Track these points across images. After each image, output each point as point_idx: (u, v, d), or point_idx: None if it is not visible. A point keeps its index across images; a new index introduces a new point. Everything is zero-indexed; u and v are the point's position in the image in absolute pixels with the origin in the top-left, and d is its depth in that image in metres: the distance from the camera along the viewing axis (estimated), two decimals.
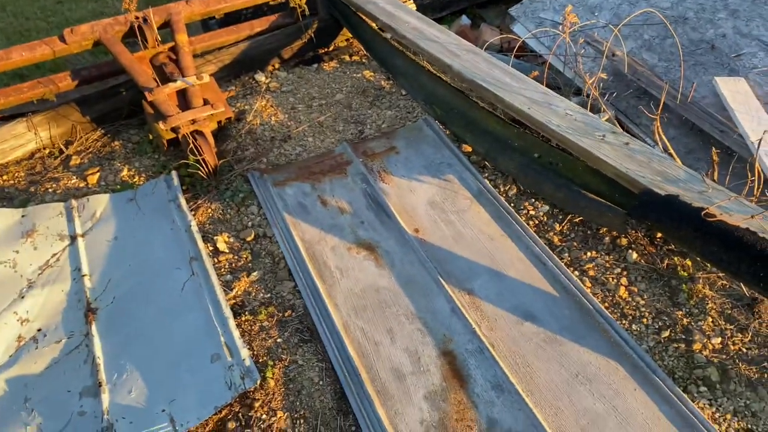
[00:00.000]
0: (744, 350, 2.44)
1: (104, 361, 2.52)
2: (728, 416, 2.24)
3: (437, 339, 2.55)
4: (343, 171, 3.45)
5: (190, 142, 3.42)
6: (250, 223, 3.18)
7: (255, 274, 2.90)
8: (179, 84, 3.58)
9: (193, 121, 3.50)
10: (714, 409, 2.27)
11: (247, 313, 2.72)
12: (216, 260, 2.98)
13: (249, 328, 2.65)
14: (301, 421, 2.32)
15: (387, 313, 2.66)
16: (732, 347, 2.45)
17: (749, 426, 2.21)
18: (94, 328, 2.66)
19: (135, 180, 3.54)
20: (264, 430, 2.29)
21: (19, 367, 2.54)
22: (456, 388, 2.37)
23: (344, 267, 2.89)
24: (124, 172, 3.59)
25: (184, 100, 3.63)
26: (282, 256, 2.98)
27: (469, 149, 3.56)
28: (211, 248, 3.04)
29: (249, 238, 3.08)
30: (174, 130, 3.50)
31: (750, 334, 2.48)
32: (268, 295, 2.80)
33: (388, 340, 2.56)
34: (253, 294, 2.81)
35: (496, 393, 2.34)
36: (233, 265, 2.96)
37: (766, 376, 2.35)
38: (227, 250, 3.03)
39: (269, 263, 2.96)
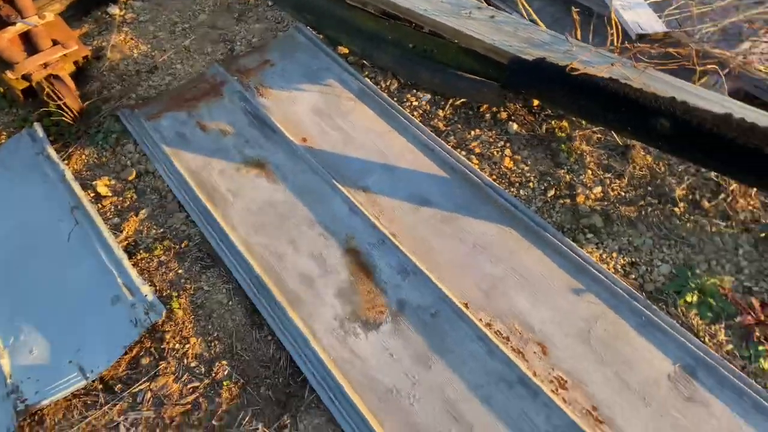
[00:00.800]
0: (622, 194, 2.60)
1: None
2: (614, 255, 2.41)
3: (340, 240, 2.56)
4: (219, 93, 3.30)
5: (46, 88, 3.16)
6: (128, 162, 3.01)
7: (143, 212, 2.78)
8: (20, 27, 3.25)
9: (45, 65, 3.22)
10: (601, 251, 2.43)
11: (141, 251, 2.62)
12: (100, 205, 2.82)
13: (146, 265, 2.56)
14: (216, 342, 2.30)
15: (287, 225, 2.64)
16: (612, 193, 2.60)
17: (633, 259, 2.39)
18: None
19: None
20: (180, 358, 2.27)
21: None
22: (364, 280, 2.41)
23: (236, 188, 2.81)
24: None
25: (29, 44, 3.31)
26: (169, 190, 2.86)
27: (346, 50, 3.48)
28: (92, 194, 2.87)
29: (131, 178, 2.93)
30: (26, 78, 3.21)
31: (626, 178, 2.64)
32: (161, 230, 2.70)
33: (291, 250, 2.55)
34: (145, 232, 2.70)
35: (401, 277, 2.40)
36: (119, 207, 2.82)
37: (643, 213, 2.53)
38: (110, 194, 2.88)
39: (156, 199, 2.84)
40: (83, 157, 3.07)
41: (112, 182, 2.93)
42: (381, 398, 2.07)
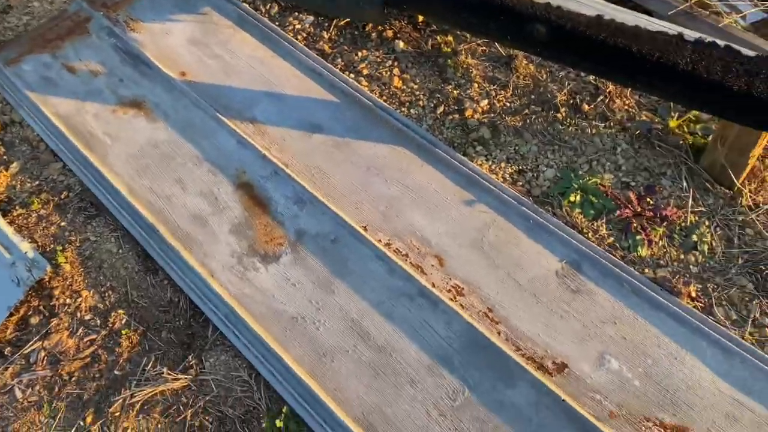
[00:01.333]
0: (508, 105, 2.65)
1: None
2: (502, 164, 2.48)
3: (230, 175, 2.48)
4: (84, 30, 3.04)
5: None
6: None
7: (14, 165, 2.58)
8: None
9: None
10: (490, 163, 2.49)
11: (17, 207, 2.44)
12: None
13: (24, 221, 2.40)
14: (109, 292, 2.21)
15: (172, 165, 2.53)
16: (498, 104, 2.65)
17: (520, 167, 2.47)
18: None
19: None
20: (72, 313, 2.17)
21: None
22: (259, 214, 2.37)
23: (113, 131, 2.65)
24: None
25: None
26: (40, 139, 2.66)
27: None
28: None
29: None
30: None
31: (511, 89, 2.69)
32: (36, 182, 2.52)
33: (179, 190, 2.45)
34: (19, 186, 2.51)
35: (298, 206, 2.37)
36: None
37: (528, 121, 2.59)
38: None
39: (28, 150, 2.64)
40: None
41: None
42: (286, 327, 2.08)
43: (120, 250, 2.32)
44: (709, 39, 2.06)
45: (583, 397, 1.89)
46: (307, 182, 2.44)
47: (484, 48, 2.82)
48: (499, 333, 2.05)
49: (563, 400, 1.86)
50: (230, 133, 2.59)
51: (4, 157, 2.62)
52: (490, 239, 2.26)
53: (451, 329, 2.05)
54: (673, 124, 2.50)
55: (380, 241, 2.27)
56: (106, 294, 2.21)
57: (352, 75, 2.79)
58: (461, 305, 2.11)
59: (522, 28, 2.34)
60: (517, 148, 2.52)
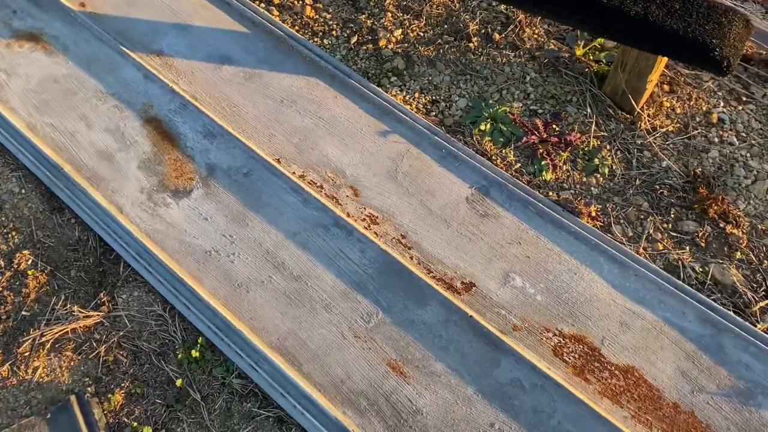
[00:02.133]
0: (421, 35, 2.65)
1: None
2: (416, 95, 2.50)
3: (137, 109, 2.40)
4: None
5: None
6: None
7: None
8: None
9: None
10: (405, 93, 2.50)
11: None
12: None
13: None
14: (13, 233, 2.14)
15: (75, 101, 2.41)
16: (411, 35, 2.64)
17: (433, 98, 2.50)
18: None
19: None
20: None
21: None
22: (169, 149, 2.31)
23: (9, 67, 2.49)
24: None
25: None
26: None
27: None
28: None
29: None
30: None
31: (424, 18, 2.68)
32: None
33: (83, 127, 2.35)
34: None
35: (208, 140, 2.33)
36: None
37: (441, 51, 2.60)
38: None
39: None
40: None
41: None
42: (199, 261, 2.07)
43: (22, 190, 2.22)
44: None
45: (489, 313, 1.99)
46: (218, 115, 2.39)
47: None
48: (411, 258, 2.11)
49: (470, 316, 1.96)
50: (136, 66, 2.49)
51: None
52: (404, 169, 2.30)
53: (366, 256, 2.10)
54: (579, 52, 2.57)
55: (294, 173, 2.27)
56: (10, 235, 2.13)
57: (262, 5, 2.71)
58: (375, 233, 2.15)
59: None
60: (430, 78, 2.53)
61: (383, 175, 2.29)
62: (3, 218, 2.17)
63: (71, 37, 2.58)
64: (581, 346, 1.94)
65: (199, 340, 1.92)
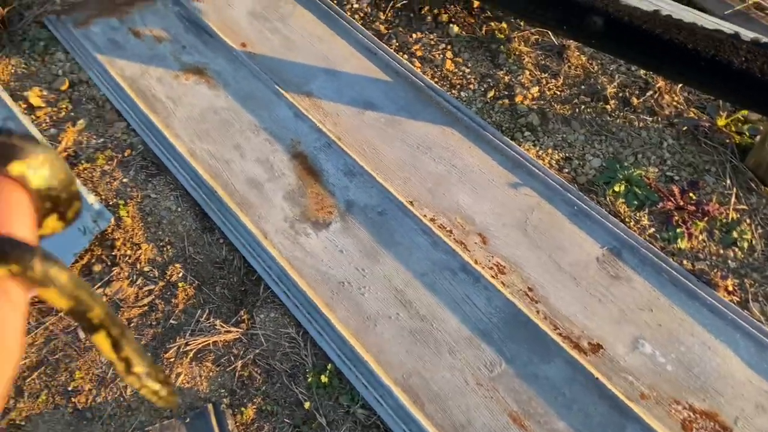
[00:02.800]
0: (558, 93, 2.71)
1: None
2: (549, 151, 2.55)
3: (286, 144, 2.59)
4: None
5: None
6: (60, 72, 2.90)
7: (81, 122, 2.71)
8: None
9: None
10: (537, 148, 2.56)
11: (83, 161, 2.58)
12: (33, 116, 2.73)
13: (89, 175, 2.53)
14: (168, 247, 2.34)
15: (231, 132, 2.64)
16: (548, 93, 2.71)
17: (566, 155, 2.53)
18: None
19: None
20: (132, 264, 2.30)
21: None
22: (312, 183, 2.47)
23: (176, 96, 2.77)
24: None
25: None
26: (106, 99, 2.79)
27: None
28: (24, 105, 2.76)
29: (63, 87, 2.83)
30: None
31: (562, 78, 2.74)
32: (101, 139, 2.66)
33: (237, 156, 2.56)
34: (85, 142, 2.65)
35: (348, 178, 2.47)
36: (54, 117, 2.74)
37: (576, 111, 2.65)
38: (43, 104, 2.78)
39: (93, 108, 2.77)
40: (10, 67, 2.93)
41: (44, 92, 2.82)
42: (333, 290, 2.18)
43: (178, 209, 2.44)
44: (765, 40, 2.10)
45: (616, 377, 1.96)
46: (358, 156, 2.53)
47: (537, 36, 2.87)
48: (537, 311, 2.13)
49: (596, 378, 1.94)
50: (288, 105, 2.69)
51: (72, 113, 2.75)
52: (534, 222, 2.34)
53: (492, 305, 2.14)
54: (721, 122, 2.53)
55: (426, 216, 2.36)
56: (165, 248, 2.34)
57: (405, 56, 2.87)
58: (502, 283, 2.19)
59: (579, 18, 2.39)
60: (564, 136, 2.58)
61: (513, 226, 2.33)
62: (160, 232, 2.38)
63: (232, 73, 2.83)
64: (712, 424, 1.87)
65: (329, 367, 2.01)
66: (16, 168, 0.38)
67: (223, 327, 2.13)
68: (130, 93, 2.74)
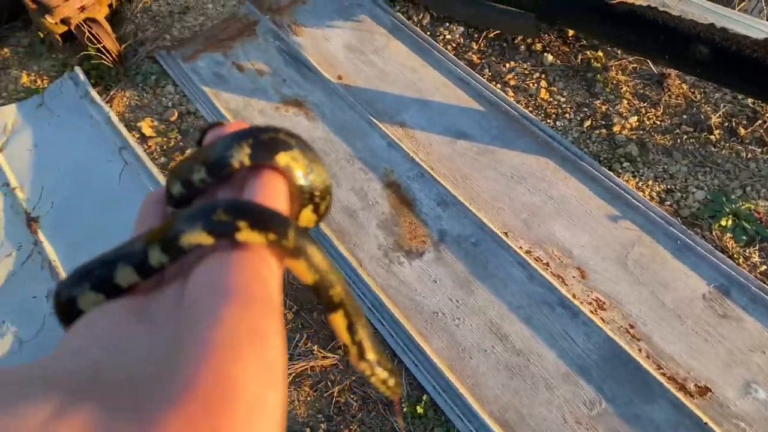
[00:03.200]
0: (658, 123, 2.63)
1: (61, 262, 2.53)
2: (650, 182, 2.47)
3: (379, 174, 2.64)
4: (253, 32, 3.33)
5: (86, 31, 3.21)
6: (170, 103, 3.09)
7: (188, 151, 2.88)
8: None
9: (82, 9, 3.26)
10: (637, 180, 2.49)
11: None
12: (146, 146, 2.92)
13: None
14: None
15: (327, 161, 2.72)
16: (647, 122, 2.64)
17: (668, 186, 2.45)
18: (41, 235, 2.63)
19: (38, 84, 3.34)
20: None
21: None
22: (405, 213, 2.51)
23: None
24: (24, 79, 3.37)
25: None
26: None
27: None
28: (137, 136, 2.97)
29: (173, 118, 3.02)
30: (64, 21, 3.26)
31: (662, 107, 2.67)
32: None
33: (333, 184, 2.64)
34: None
35: (441, 208, 2.49)
36: (164, 147, 2.92)
37: (678, 141, 2.56)
38: (154, 134, 2.97)
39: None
40: (125, 99, 3.16)
41: (155, 123, 3.02)
42: (427, 320, 2.20)
43: None
44: None
45: (726, 423, 1.87)
46: (451, 186, 2.55)
47: (635, 65, 2.81)
48: (639, 350, 2.06)
49: (705, 423, 1.85)
50: (382, 135, 2.75)
51: (180, 143, 2.92)
52: (635, 256, 2.27)
53: (591, 341, 2.08)
54: None
55: (521, 248, 2.34)
56: None
57: (499, 85, 2.88)
58: (602, 319, 2.14)
59: (683, 48, 2.34)
60: (665, 167, 2.50)
61: (612, 260, 2.27)
62: None
63: (328, 105, 2.93)
64: None
65: (424, 398, 2.02)
66: (281, 159, 0.41)
67: (321, 353, 2.18)
68: None
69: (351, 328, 0.48)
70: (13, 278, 2.54)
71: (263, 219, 0.36)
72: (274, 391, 0.28)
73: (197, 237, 0.36)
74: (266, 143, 0.41)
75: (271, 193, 0.40)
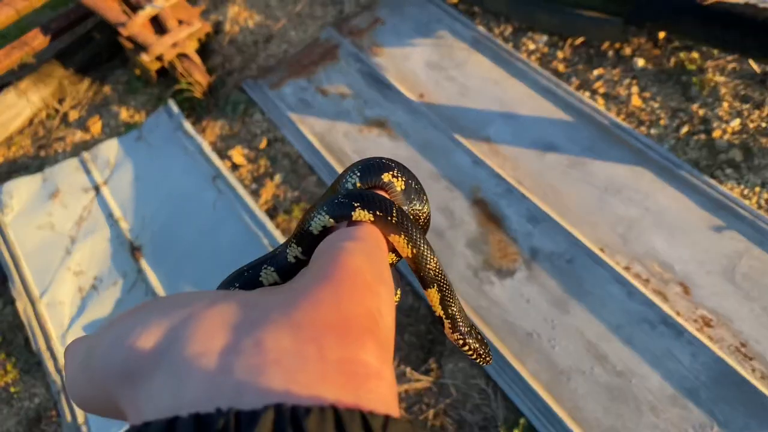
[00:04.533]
0: (763, 125, 2.46)
1: (164, 287, 2.67)
2: (757, 189, 2.32)
3: (465, 191, 2.62)
4: (334, 56, 3.40)
5: (178, 66, 3.39)
6: (258, 131, 3.20)
7: (278, 177, 2.97)
8: (149, 10, 3.49)
9: (174, 45, 3.45)
10: (743, 187, 2.34)
11: (281, 213, 2.81)
12: (237, 174, 3.04)
13: (287, 226, 2.76)
14: None
15: None
16: (751, 125, 2.47)
17: None
18: (144, 263, 2.79)
19: (136, 118, 3.56)
20: None
21: (89, 314, 2.71)
22: (493, 230, 2.47)
23: (360, 148, 2.93)
24: (123, 114, 3.60)
25: (158, 26, 3.56)
26: (299, 155, 3.03)
27: None
28: (229, 164, 3.09)
29: (262, 146, 3.13)
30: (159, 58, 3.46)
31: (767, 108, 2.50)
32: (296, 193, 2.88)
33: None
34: (282, 196, 2.89)
35: (531, 224, 2.43)
36: (254, 174, 3.03)
37: None
38: (245, 162, 3.09)
39: (288, 164, 3.02)
40: (216, 129, 3.30)
41: (246, 151, 3.14)
42: (521, 342, 2.15)
43: None
44: None
45: None
46: (541, 201, 2.49)
47: (735, 65, 2.64)
48: (753, 369, 1.92)
49: None
50: (465, 152, 2.73)
51: (270, 169, 3.02)
52: (743, 270, 2.13)
53: (698, 361, 1.97)
54: None
55: (618, 263, 2.25)
56: None
57: (587, 94, 2.79)
58: (709, 337, 2.01)
59: None
60: None
61: (718, 274, 2.14)
62: None
63: (411, 124, 2.94)
64: None
65: (521, 421, 1.97)
66: (386, 177, 0.51)
67: (414, 375, 2.18)
68: (319, 149, 2.95)
69: (444, 302, 0.55)
70: (121, 305, 2.71)
71: (372, 200, 0.46)
72: (384, 286, 0.38)
73: (322, 220, 0.47)
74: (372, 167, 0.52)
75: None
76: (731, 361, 1.94)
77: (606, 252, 2.29)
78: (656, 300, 2.11)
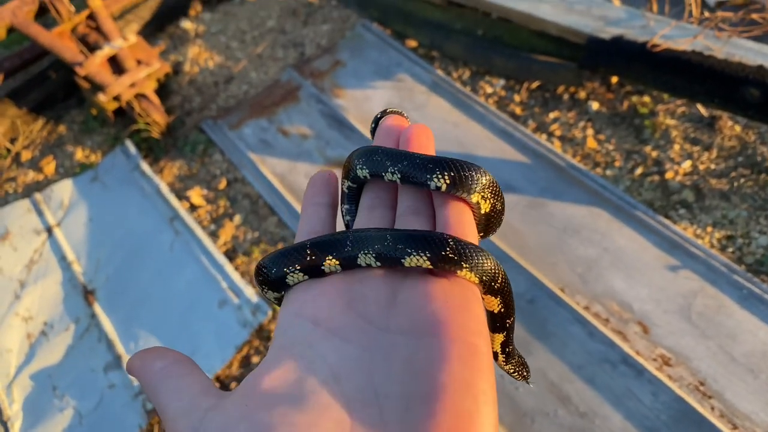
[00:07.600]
0: (712, 167, 2.56)
1: (117, 334, 2.58)
2: (709, 229, 2.38)
3: None
4: (295, 97, 3.41)
5: (136, 107, 3.35)
6: (218, 172, 3.17)
7: (237, 218, 2.93)
8: (107, 50, 3.45)
9: (133, 85, 3.41)
10: (695, 227, 2.40)
11: (240, 255, 2.76)
12: (196, 215, 2.99)
13: (246, 268, 2.71)
14: None
15: None
16: (701, 167, 2.56)
17: (729, 233, 2.36)
18: (97, 307, 2.70)
19: (91, 159, 3.48)
20: None
21: (38, 361, 2.59)
22: None
23: None
24: (79, 154, 3.52)
25: (116, 65, 3.52)
26: (259, 195, 3.00)
27: (414, 43, 3.52)
28: (187, 205, 3.04)
29: (221, 186, 3.09)
30: (116, 98, 3.41)
31: (715, 150, 2.59)
32: (256, 234, 2.84)
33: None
34: (241, 237, 2.85)
35: None
36: (213, 215, 2.98)
37: (735, 184, 2.48)
38: (204, 203, 3.04)
39: (248, 204, 2.98)
40: (174, 169, 3.25)
41: (204, 191, 3.09)
42: None
43: None
44: None
45: None
46: (501, 241, 2.51)
47: (684, 108, 2.75)
48: (712, 408, 1.95)
49: None
50: None
51: (229, 210, 2.98)
52: (698, 308, 2.17)
53: (659, 400, 1.98)
54: None
55: (579, 303, 2.27)
56: None
57: (544, 136, 2.85)
58: (669, 376, 2.04)
59: (732, 91, 2.28)
60: (724, 212, 2.41)
61: (675, 313, 2.18)
62: None
63: None
64: None
65: None
66: (474, 198, 0.49)
67: None
68: (280, 189, 2.93)
69: (506, 344, 0.56)
70: (72, 352, 2.59)
71: (481, 265, 0.45)
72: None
73: (420, 261, 0.44)
74: (465, 179, 0.48)
75: (466, 224, 0.48)
76: (691, 400, 1.96)
77: (566, 292, 2.31)
78: (616, 339, 2.13)
